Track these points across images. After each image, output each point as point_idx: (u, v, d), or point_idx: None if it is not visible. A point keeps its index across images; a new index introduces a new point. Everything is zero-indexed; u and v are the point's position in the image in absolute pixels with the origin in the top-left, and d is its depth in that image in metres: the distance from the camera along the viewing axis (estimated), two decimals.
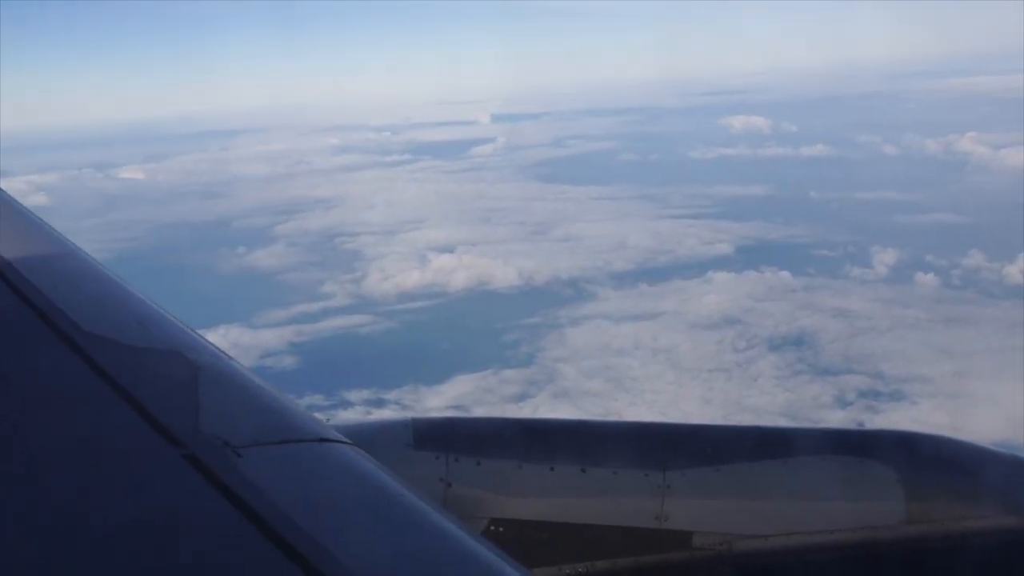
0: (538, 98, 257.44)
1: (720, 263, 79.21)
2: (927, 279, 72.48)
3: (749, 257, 79.90)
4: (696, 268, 78.80)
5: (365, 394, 57.44)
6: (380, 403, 55.98)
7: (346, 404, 56.31)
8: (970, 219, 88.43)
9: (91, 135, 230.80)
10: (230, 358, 3.39)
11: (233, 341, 66.19)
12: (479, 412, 53.15)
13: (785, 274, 74.16)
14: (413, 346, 65.75)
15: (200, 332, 3.50)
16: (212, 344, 3.46)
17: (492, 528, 4.70)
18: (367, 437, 3.87)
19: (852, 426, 35.77)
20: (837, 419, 47.26)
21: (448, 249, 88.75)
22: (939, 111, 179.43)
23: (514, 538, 4.74)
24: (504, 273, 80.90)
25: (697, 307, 67.99)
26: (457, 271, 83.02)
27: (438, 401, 55.22)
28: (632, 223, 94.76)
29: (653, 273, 78.74)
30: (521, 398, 55.15)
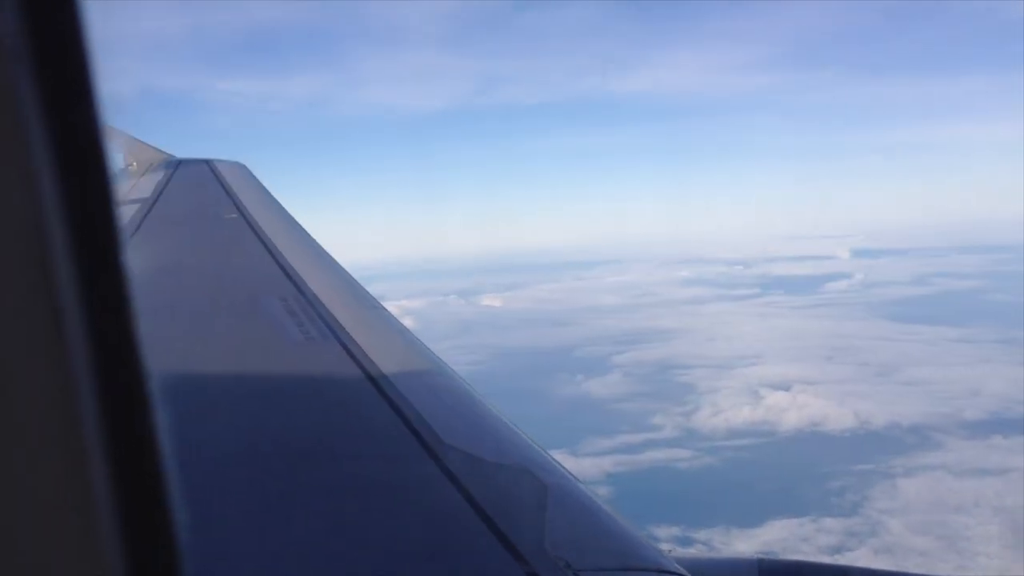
0: (904, 234, 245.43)
1: None
2: None
3: None
4: None
5: (674, 531, 55.81)
6: (687, 541, 54.12)
7: (652, 540, 55.09)
8: None
9: (465, 264, 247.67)
10: (577, 480, 3.62)
11: None
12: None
13: None
14: (731, 485, 63.45)
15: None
16: (560, 465, 3.69)
17: None
18: (708, 572, 4.13)
19: None
20: None
21: (784, 387, 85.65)
22: None
23: None
24: (839, 415, 76.67)
25: None
26: (790, 410, 79.79)
27: (747, 545, 52.66)
28: (991, 368, 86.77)
29: (1010, 425, 71.16)
30: (838, 550, 51.36)
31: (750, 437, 75.21)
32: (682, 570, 3.04)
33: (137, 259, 5.82)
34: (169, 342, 5.24)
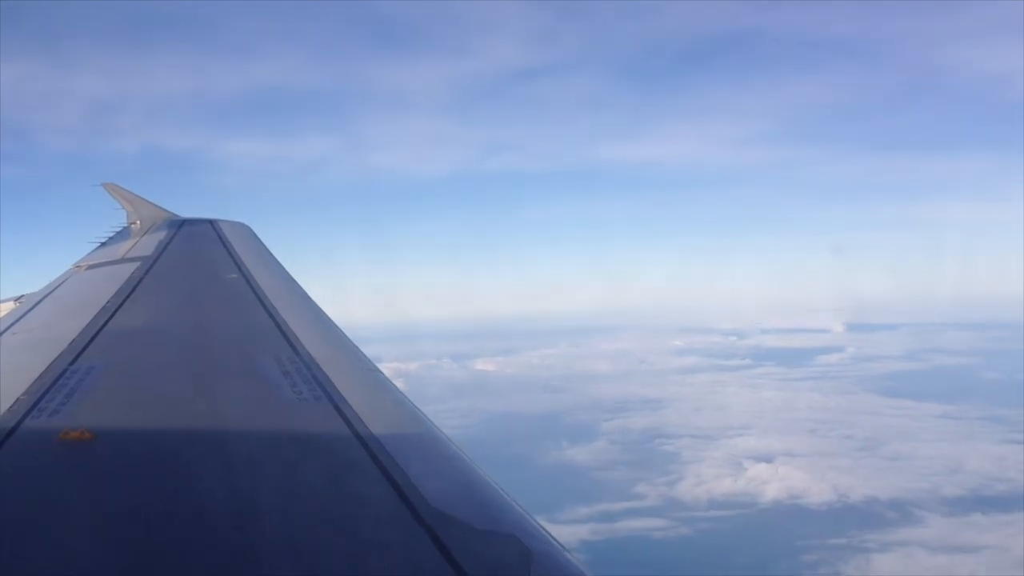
0: (900, 309, 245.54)
1: None
2: None
3: None
4: None
5: None
6: None
7: None
8: None
9: (460, 329, 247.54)
10: (565, 548, 3.56)
11: None
12: None
13: None
14: (706, 555, 63.43)
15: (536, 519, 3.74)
16: (548, 533, 3.67)
17: None
18: None
19: None
20: None
21: (767, 459, 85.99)
22: None
23: None
24: (819, 488, 76.82)
25: None
26: (771, 482, 79.98)
27: None
28: (974, 446, 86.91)
29: (988, 502, 71.42)
30: None
31: (730, 508, 75.27)
32: None
33: (135, 317, 7.52)
34: (160, 401, 5.45)
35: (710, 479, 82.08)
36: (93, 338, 7.26)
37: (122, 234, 17.21)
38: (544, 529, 3.62)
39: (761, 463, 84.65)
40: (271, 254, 13.92)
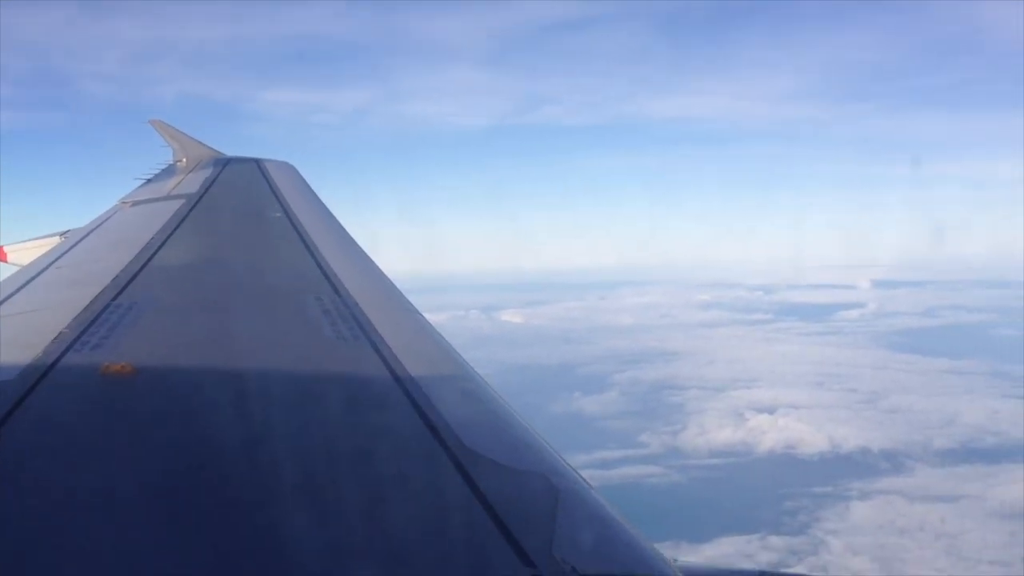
0: (929, 267, 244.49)
1: None
2: None
3: None
4: None
5: None
6: None
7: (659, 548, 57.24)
8: None
9: (491, 280, 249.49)
10: (591, 487, 3.62)
11: None
12: None
13: None
14: (694, 501, 65.75)
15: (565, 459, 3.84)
16: (576, 472, 3.73)
17: None
18: None
19: None
20: None
21: (769, 410, 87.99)
22: None
23: None
24: (814, 439, 78.94)
25: (1008, 494, 62.49)
26: (769, 433, 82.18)
27: (692, 559, 54.74)
28: (971, 400, 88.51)
29: (977, 454, 73.44)
30: (777, 566, 53.53)
31: (726, 457, 77.58)
32: None
33: (178, 254, 8.41)
34: (200, 337, 5.51)
35: (712, 429, 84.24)
36: (136, 274, 7.29)
37: (168, 171, 17.24)
38: (573, 469, 3.74)
39: (763, 414, 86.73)
40: (315, 194, 13.83)
